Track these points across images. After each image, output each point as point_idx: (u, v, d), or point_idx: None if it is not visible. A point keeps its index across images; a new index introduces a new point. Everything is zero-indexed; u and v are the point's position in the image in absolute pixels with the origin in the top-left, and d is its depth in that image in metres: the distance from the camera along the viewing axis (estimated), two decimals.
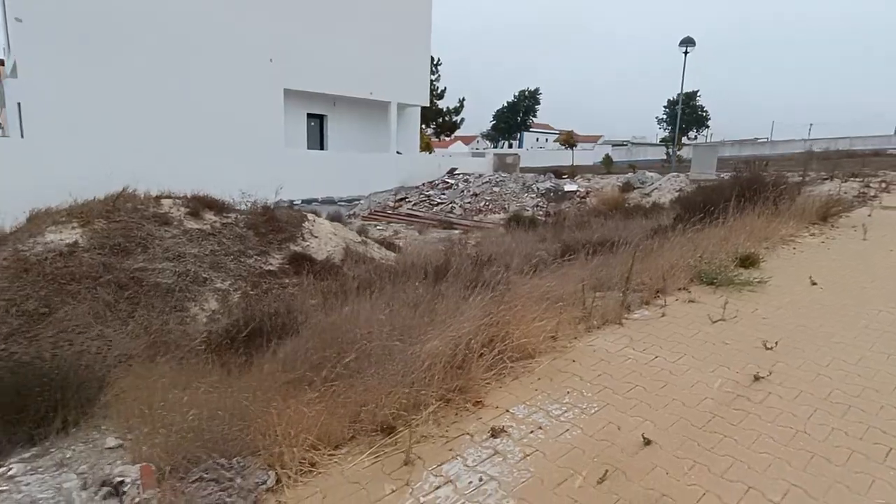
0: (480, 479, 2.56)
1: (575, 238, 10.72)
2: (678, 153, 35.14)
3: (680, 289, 5.26)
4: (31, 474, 2.43)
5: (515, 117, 67.10)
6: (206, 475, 2.48)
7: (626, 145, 59.78)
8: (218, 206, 9.46)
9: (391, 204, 21.64)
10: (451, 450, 2.80)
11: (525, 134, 73.19)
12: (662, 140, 58.31)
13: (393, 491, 2.49)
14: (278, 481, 2.54)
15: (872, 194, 10.75)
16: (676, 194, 16.87)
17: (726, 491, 2.42)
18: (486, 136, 71.35)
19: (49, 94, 14.43)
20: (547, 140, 77.63)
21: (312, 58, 19.40)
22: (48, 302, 6.35)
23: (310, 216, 10.82)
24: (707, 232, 7.36)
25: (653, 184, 18.22)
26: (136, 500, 2.33)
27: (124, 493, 2.34)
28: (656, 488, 2.45)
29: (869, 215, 8.93)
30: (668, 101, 60.61)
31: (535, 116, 71.52)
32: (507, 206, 19.36)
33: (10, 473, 2.44)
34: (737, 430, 2.91)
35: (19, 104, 17.10)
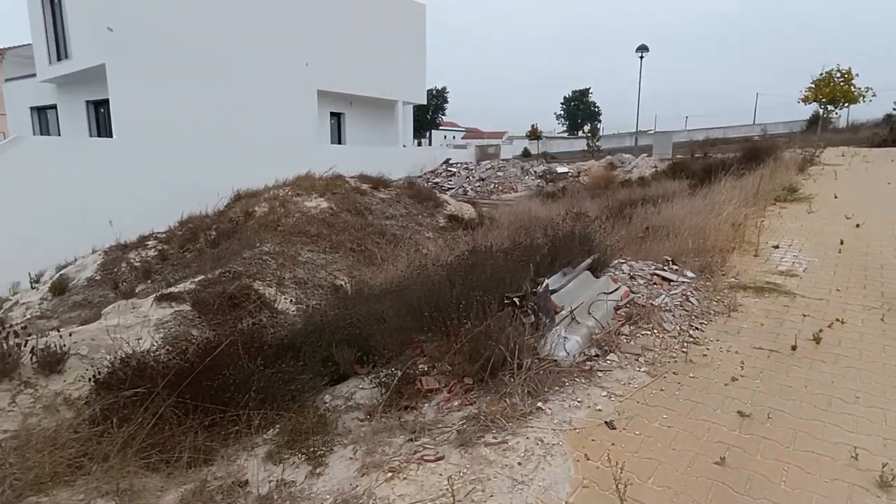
0: (795, 257, 5.96)
1: (614, 199, 14.17)
2: (597, 143, 39.97)
3: (771, 204, 8.97)
4: (633, 263, 5.45)
5: (425, 115, 68.77)
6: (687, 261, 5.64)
7: (540, 139, 64.36)
8: (384, 182, 12.04)
9: None
10: (766, 251, 6.17)
11: (434, 132, 74.45)
12: (582, 132, 63.74)
13: (766, 260, 5.82)
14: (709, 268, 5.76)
15: (811, 158, 15.45)
16: (653, 170, 21.23)
17: None
18: None
19: (135, 99, 15.71)
20: (455, 137, 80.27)
21: (335, 62, 21.59)
22: (359, 243, 8.92)
23: (434, 190, 13.58)
24: (737, 182, 11.20)
25: (631, 163, 22.49)
26: (682, 273, 5.46)
27: (680, 271, 5.47)
28: (883, 236, 6.00)
29: (822, 168, 13.47)
30: (565, 97, 65.50)
31: (444, 114, 73.06)
32: (514, 186, 22.84)
33: (623, 264, 5.44)
34: (879, 235, 6.54)
35: (89, 106, 17.93)
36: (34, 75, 19.45)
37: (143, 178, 14.98)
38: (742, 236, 6.64)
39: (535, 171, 23.84)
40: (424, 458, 2.71)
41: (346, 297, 4.82)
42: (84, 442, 3.10)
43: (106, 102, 17.46)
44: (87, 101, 18.51)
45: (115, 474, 2.79)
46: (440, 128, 78.04)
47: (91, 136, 18.34)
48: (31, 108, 21.26)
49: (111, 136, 16.24)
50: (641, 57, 25.24)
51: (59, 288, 9.46)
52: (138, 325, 4.80)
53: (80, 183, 13.47)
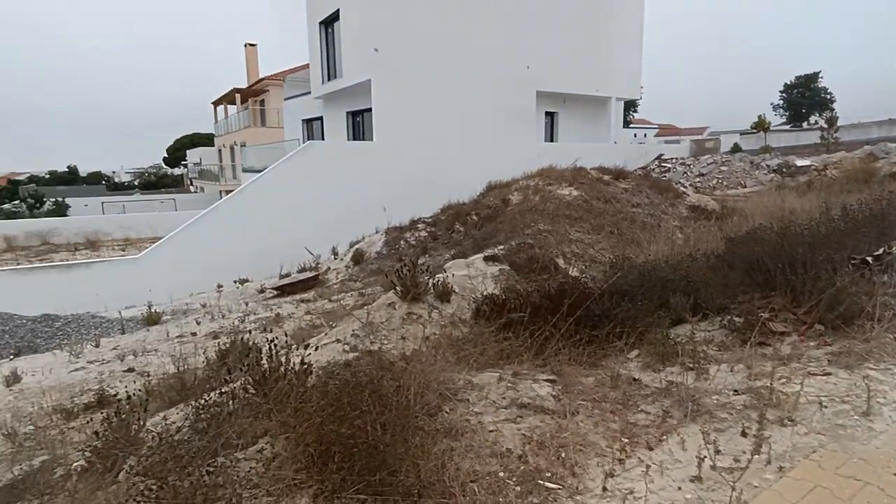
0: None
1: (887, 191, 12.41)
2: (834, 135, 34.16)
3: None
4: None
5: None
6: None
7: (768, 131, 57.40)
8: (623, 174, 12.44)
9: None
10: None
11: (625, 130, 69.79)
12: (808, 123, 55.32)
13: None
14: None
15: None
16: None
17: None
18: None
19: (390, 107, 18.60)
20: (646, 135, 74.70)
21: (553, 62, 22.52)
22: (616, 227, 9.47)
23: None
24: None
25: None
26: None
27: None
28: None
29: None
30: (785, 84, 56.73)
31: (635, 111, 68.12)
32: (742, 182, 21.22)
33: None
34: None
35: (351, 115, 21.68)
36: (306, 93, 24.06)
37: (400, 172, 17.62)
38: None
39: (768, 165, 21.77)
40: (811, 372, 3.22)
41: (656, 264, 5.50)
42: (499, 343, 4.27)
43: (362, 112, 20.93)
44: (348, 112, 22.23)
45: (543, 361, 3.86)
46: (630, 125, 74.30)
47: (349, 141, 22.02)
48: (303, 120, 26.25)
49: (366, 141, 19.42)
50: None
51: (358, 258, 11.87)
52: (479, 277, 6.10)
53: (354, 176, 16.46)
